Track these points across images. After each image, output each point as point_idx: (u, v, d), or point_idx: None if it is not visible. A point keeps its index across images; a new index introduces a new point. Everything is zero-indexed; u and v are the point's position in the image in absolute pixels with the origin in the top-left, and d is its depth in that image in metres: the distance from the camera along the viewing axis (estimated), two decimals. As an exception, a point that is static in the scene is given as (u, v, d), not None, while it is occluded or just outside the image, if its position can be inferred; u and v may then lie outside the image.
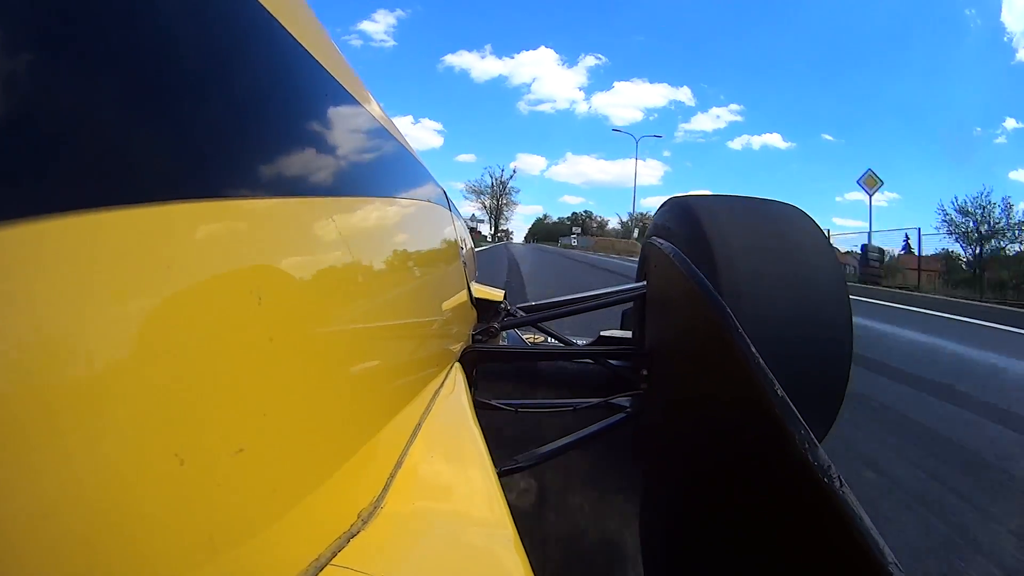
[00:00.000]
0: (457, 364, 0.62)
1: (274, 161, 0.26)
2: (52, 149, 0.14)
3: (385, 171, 0.48)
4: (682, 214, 0.95)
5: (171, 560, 0.16)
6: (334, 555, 0.22)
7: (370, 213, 0.39)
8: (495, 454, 0.38)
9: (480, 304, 0.98)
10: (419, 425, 0.37)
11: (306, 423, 0.24)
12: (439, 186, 0.95)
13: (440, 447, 0.37)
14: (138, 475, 0.15)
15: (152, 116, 0.18)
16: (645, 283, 0.89)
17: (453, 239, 0.86)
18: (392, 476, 0.29)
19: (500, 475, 0.35)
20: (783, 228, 0.89)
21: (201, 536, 0.17)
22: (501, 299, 1.04)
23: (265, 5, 0.26)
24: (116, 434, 0.14)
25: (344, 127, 0.37)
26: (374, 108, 0.46)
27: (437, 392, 0.46)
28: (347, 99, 0.39)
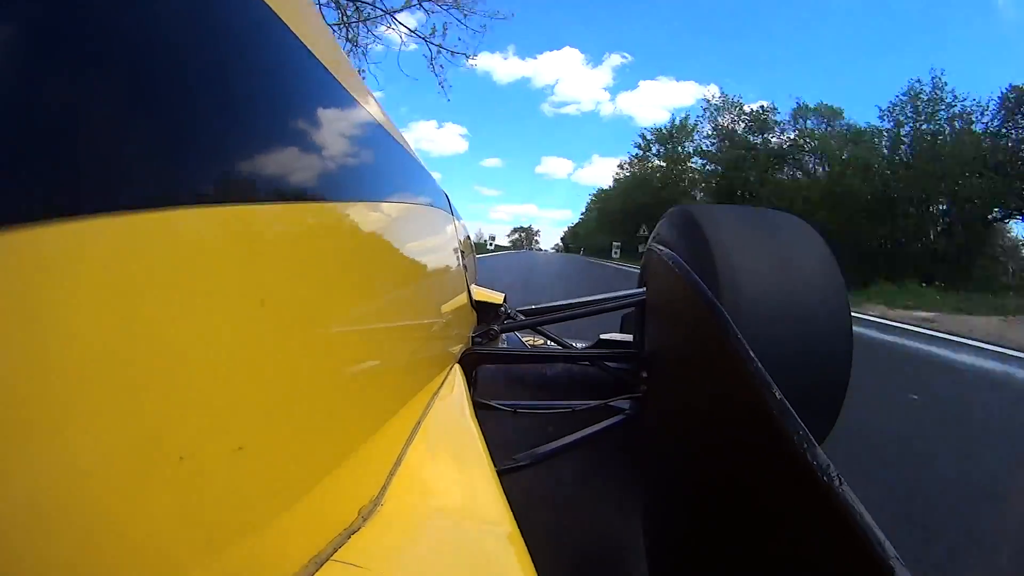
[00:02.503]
0: (457, 366, 0.62)
1: (274, 165, 0.26)
2: (56, 153, 0.14)
3: (386, 173, 0.49)
4: (684, 223, 0.96)
5: (172, 556, 0.16)
6: (334, 551, 0.22)
7: (371, 216, 0.39)
8: (494, 454, 0.38)
9: (480, 307, 0.99)
10: (419, 425, 0.37)
11: (307, 422, 0.24)
12: (440, 188, 0.95)
13: (440, 446, 0.38)
14: (139, 472, 0.15)
15: (152, 119, 0.18)
16: (645, 289, 0.89)
17: (454, 241, 0.86)
18: (392, 474, 0.29)
19: (499, 474, 0.35)
20: (784, 238, 0.90)
21: (202, 532, 0.17)
22: (501, 302, 1.04)
23: (268, 3, 0.27)
24: (117, 431, 0.15)
25: (345, 130, 0.38)
26: (374, 109, 0.46)
27: (437, 393, 0.46)
28: (347, 100, 0.39)
